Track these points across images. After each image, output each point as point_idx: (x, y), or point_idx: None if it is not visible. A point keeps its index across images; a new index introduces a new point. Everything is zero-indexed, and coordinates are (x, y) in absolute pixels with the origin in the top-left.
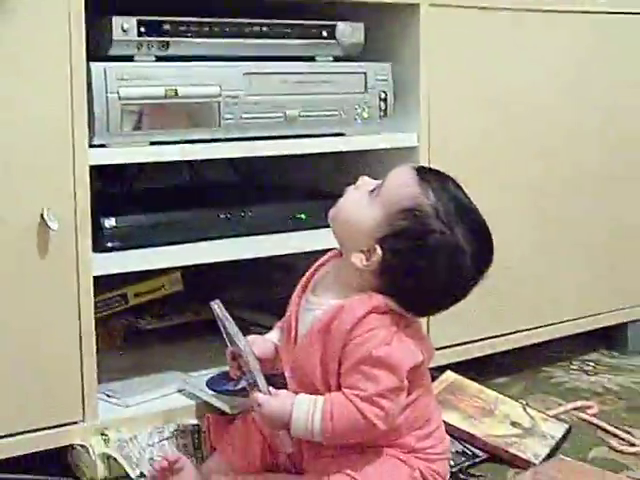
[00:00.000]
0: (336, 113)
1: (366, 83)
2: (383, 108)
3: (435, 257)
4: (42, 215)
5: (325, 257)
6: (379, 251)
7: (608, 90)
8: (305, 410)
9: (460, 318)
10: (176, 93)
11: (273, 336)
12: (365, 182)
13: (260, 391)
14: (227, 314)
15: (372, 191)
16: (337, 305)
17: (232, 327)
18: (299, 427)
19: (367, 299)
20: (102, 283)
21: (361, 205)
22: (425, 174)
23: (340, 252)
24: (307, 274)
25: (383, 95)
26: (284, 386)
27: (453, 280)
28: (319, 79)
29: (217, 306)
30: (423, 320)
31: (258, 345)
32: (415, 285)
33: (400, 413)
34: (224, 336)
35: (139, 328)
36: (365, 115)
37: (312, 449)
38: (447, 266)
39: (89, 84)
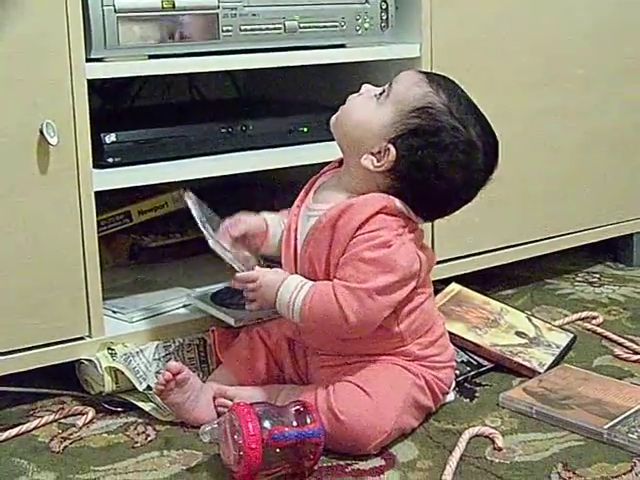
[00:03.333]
0: (336, 24)
1: None
2: (384, 18)
3: (450, 153)
4: (41, 130)
5: (324, 169)
6: (393, 150)
7: None
8: (291, 290)
9: (465, 230)
10: (173, 5)
11: (267, 215)
12: (369, 88)
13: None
14: (199, 205)
15: (379, 95)
16: (347, 202)
17: (201, 217)
18: (282, 304)
19: (378, 198)
20: (106, 202)
21: (369, 107)
22: (434, 76)
23: (339, 162)
24: (306, 185)
25: (384, 5)
26: None
27: (465, 177)
28: None
29: (188, 197)
30: (427, 232)
31: (245, 220)
32: (428, 184)
33: (402, 319)
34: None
35: (144, 245)
36: (366, 26)
37: (317, 360)
38: (461, 162)
39: None
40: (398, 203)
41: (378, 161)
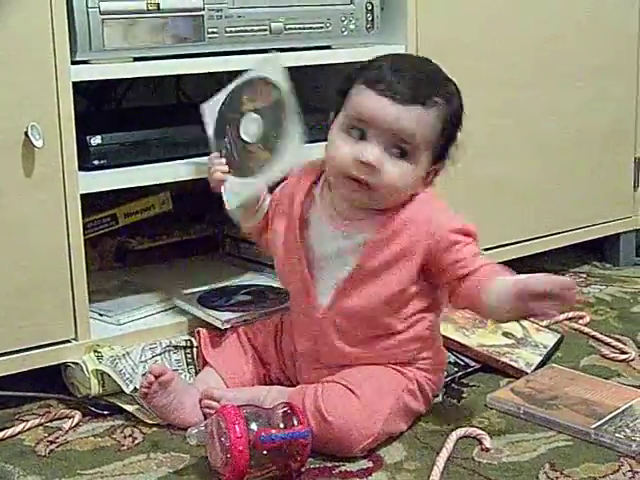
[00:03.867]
0: (322, 25)
1: None
2: (370, 20)
3: (457, 104)
4: (26, 133)
5: (304, 180)
6: (440, 165)
7: None
8: None
9: None
10: (158, 7)
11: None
12: (374, 158)
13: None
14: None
15: (397, 152)
16: (401, 215)
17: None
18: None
19: (423, 201)
20: (92, 204)
21: (407, 171)
22: (385, 87)
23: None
24: (295, 212)
25: (370, 6)
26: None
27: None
28: None
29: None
30: None
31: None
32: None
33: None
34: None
35: (130, 248)
36: (352, 27)
37: (308, 360)
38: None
39: None
40: (428, 190)
41: (427, 178)
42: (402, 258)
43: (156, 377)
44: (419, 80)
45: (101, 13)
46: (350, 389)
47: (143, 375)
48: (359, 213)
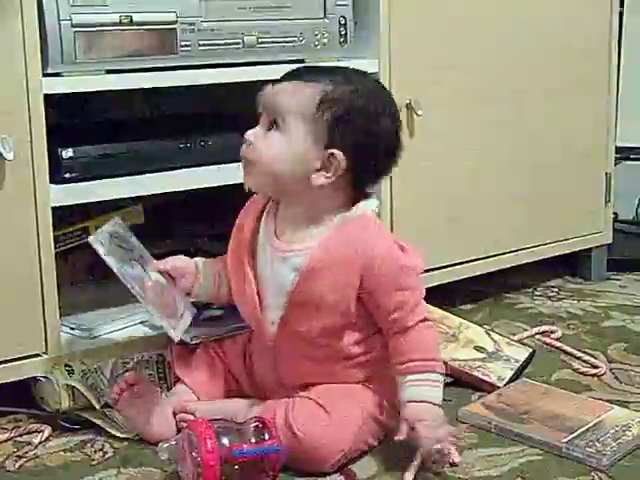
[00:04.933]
0: (295, 39)
1: (325, 8)
2: (343, 34)
3: (369, 110)
4: None
5: (254, 206)
6: (337, 152)
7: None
8: (429, 393)
9: (424, 245)
10: (131, 20)
11: (198, 259)
12: (254, 132)
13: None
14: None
15: (272, 125)
16: (332, 240)
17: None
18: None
19: (356, 222)
20: (64, 217)
21: (278, 143)
22: (299, 74)
23: (265, 200)
24: (244, 241)
25: (343, 20)
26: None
27: (392, 121)
28: (277, 4)
29: (95, 240)
30: None
31: (174, 258)
32: (375, 148)
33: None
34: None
35: (101, 262)
36: (325, 41)
37: (271, 381)
38: (380, 110)
39: (41, 11)
40: (369, 211)
41: (329, 171)
42: (336, 288)
43: (130, 385)
44: (317, 68)
45: (73, 26)
46: (320, 404)
47: (116, 383)
48: (297, 236)
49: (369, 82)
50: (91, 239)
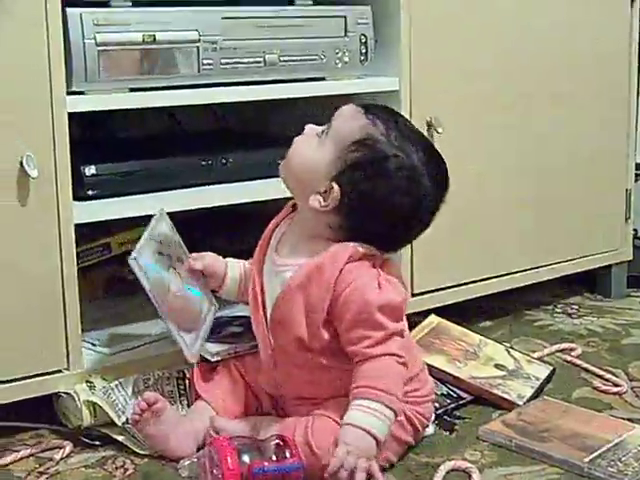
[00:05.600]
0: (316, 57)
1: (346, 27)
2: (364, 52)
3: (393, 181)
4: (21, 163)
5: (279, 215)
6: (336, 188)
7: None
8: (369, 420)
9: (444, 263)
10: (154, 39)
11: (230, 260)
12: (311, 128)
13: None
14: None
15: (320, 134)
16: (311, 264)
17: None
18: (382, 430)
19: (339, 252)
20: (85, 233)
21: (311, 147)
22: (372, 108)
23: (294, 206)
24: (265, 234)
25: (363, 39)
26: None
27: (413, 203)
28: (298, 23)
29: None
30: (406, 264)
31: (205, 257)
32: (380, 215)
33: None
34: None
35: (123, 277)
36: (346, 59)
37: (295, 395)
38: (404, 189)
39: (65, 30)
40: (360, 248)
41: (324, 200)
42: (305, 311)
43: (149, 405)
44: (395, 114)
45: (97, 44)
46: (338, 422)
47: (136, 403)
48: (293, 253)
49: (423, 167)
50: (132, 262)
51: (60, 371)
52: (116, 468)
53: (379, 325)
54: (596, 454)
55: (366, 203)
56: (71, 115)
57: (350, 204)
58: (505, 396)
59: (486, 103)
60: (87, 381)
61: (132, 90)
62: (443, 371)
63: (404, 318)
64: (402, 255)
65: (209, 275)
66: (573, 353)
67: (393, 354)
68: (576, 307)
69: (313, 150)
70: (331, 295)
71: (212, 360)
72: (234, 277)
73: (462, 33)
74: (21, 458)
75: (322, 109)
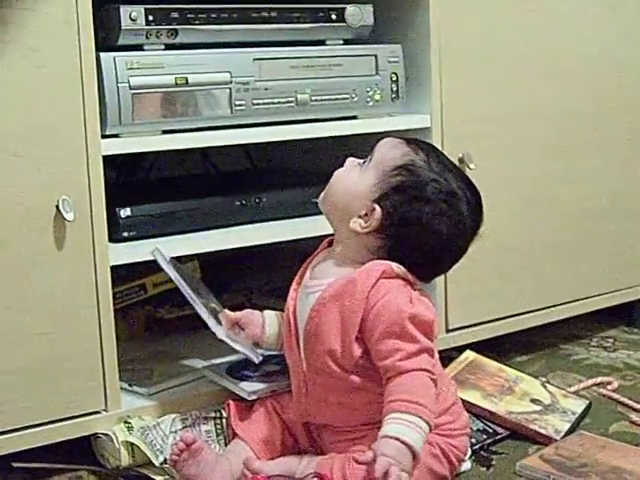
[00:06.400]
0: (347, 96)
1: (377, 65)
2: (395, 90)
3: (433, 205)
4: (57, 207)
5: (317, 251)
6: (378, 209)
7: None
8: (404, 431)
9: (478, 298)
10: (187, 81)
11: (266, 311)
12: (352, 160)
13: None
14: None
15: (362, 164)
16: (344, 278)
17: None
18: (419, 441)
19: (374, 267)
20: (121, 274)
21: (353, 175)
22: (412, 140)
23: (329, 243)
24: (301, 270)
25: (394, 77)
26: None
27: (451, 228)
28: (329, 63)
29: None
30: (441, 299)
31: (244, 315)
32: (416, 238)
33: None
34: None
35: (159, 317)
36: (377, 97)
37: (333, 433)
38: (445, 212)
39: (99, 74)
40: (394, 267)
41: (365, 222)
42: (337, 329)
43: (187, 445)
44: (435, 150)
45: (131, 88)
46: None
47: (174, 443)
48: (325, 275)
49: (462, 193)
50: (156, 254)
51: (98, 412)
52: None
53: (411, 337)
54: None
55: (405, 225)
56: (106, 158)
57: (390, 226)
58: (542, 431)
59: (517, 139)
60: (125, 422)
61: (165, 132)
62: (479, 406)
63: (435, 342)
64: (437, 290)
65: (245, 325)
66: (609, 387)
67: (425, 369)
68: (612, 340)
69: (355, 177)
70: (364, 308)
71: (249, 399)
72: (272, 324)
73: (493, 71)
74: None
75: (355, 148)
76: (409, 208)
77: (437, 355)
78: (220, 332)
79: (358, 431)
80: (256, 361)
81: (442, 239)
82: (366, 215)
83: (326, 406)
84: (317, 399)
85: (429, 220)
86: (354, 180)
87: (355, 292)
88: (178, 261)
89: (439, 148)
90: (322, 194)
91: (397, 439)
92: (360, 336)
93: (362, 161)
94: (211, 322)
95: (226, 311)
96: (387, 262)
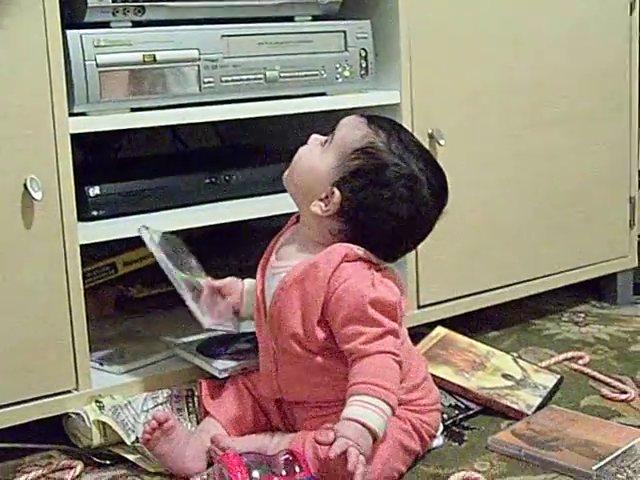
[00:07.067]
0: (317, 73)
1: (346, 42)
2: (364, 66)
3: (393, 189)
4: (25, 185)
5: (286, 226)
6: (337, 193)
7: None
8: (366, 412)
9: (449, 275)
10: (154, 59)
11: (247, 280)
12: (315, 138)
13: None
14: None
15: (324, 143)
16: (307, 262)
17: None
18: (381, 426)
19: (335, 250)
20: (91, 253)
21: (314, 155)
22: (374, 119)
23: (297, 218)
24: (270, 245)
25: (364, 53)
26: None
27: (412, 212)
28: (298, 39)
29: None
30: (412, 275)
31: (226, 283)
32: (375, 222)
33: None
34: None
35: (130, 296)
36: (346, 74)
37: (302, 413)
38: (404, 197)
39: (66, 52)
40: (356, 249)
41: (326, 206)
42: (300, 312)
43: (160, 424)
44: (399, 128)
45: (98, 66)
46: None
47: (146, 422)
48: (290, 256)
49: (423, 177)
50: (143, 233)
51: (69, 391)
52: None
53: (373, 321)
54: (605, 462)
55: (365, 209)
56: (74, 136)
57: (350, 210)
58: (513, 406)
59: (488, 115)
60: (96, 401)
61: (134, 110)
62: (451, 382)
63: (400, 320)
64: (407, 267)
65: (227, 294)
66: (580, 361)
67: (389, 352)
68: (583, 315)
69: (316, 158)
70: (325, 292)
71: (220, 377)
72: (251, 292)
73: (463, 46)
74: (33, 479)
75: (324, 124)
76: (368, 193)
77: (406, 332)
78: (207, 322)
79: (329, 407)
80: (235, 332)
81: (402, 223)
82: (327, 198)
83: (296, 384)
84: (287, 377)
85: (388, 205)
86: (315, 161)
87: (317, 276)
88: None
89: (408, 125)
90: (286, 172)
91: (357, 421)
92: (323, 319)
93: (325, 139)
94: (197, 312)
95: (209, 279)
96: (349, 245)
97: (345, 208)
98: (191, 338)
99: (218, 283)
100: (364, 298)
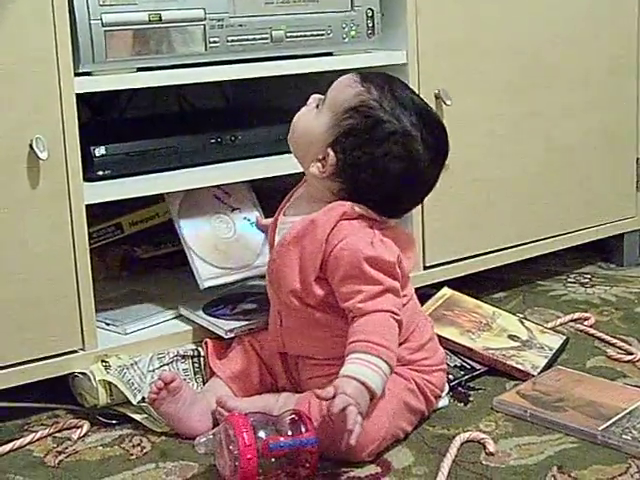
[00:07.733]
0: (323, 32)
1: (352, 1)
2: (370, 26)
3: (386, 146)
4: (31, 145)
5: (298, 184)
6: (332, 154)
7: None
8: (366, 372)
9: (455, 235)
10: (160, 18)
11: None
12: (314, 98)
13: None
14: None
15: (320, 104)
16: (305, 219)
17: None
18: (378, 383)
19: (334, 208)
20: (97, 214)
21: (309, 117)
22: (368, 76)
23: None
24: (284, 200)
25: (370, 13)
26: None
27: (408, 168)
28: None
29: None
30: (418, 237)
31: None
32: (375, 180)
33: None
34: None
35: (135, 257)
36: (352, 34)
37: (307, 370)
38: (400, 154)
39: (71, 11)
40: (356, 207)
41: (323, 167)
42: (299, 268)
43: (166, 384)
44: (393, 81)
45: (103, 25)
46: None
47: (152, 382)
48: (295, 213)
49: (416, 132)
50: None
51: (75, 351)
52: (133, 446)
53: (371, 279)
54: (610, 422)
55: (361, 168)
56: (80, 96)
57: (346, 170)
58: (519, 367)
59: (494, 75)
60: (102, 360)
61: (140, 70)
62: (456, 343)
63: (401, 279)
64: (413, 228)
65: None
66: (586, 322)
67: (388, 310)
68: (589, 276)
69: (312, 119)
70: (323, 250)
71: (226, 337)
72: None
73: (470, 6)
74: (39, 438)
75: (330, 85)
76: (361, 152)
77: (413, 291)
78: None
79: (333, 366)
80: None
81: (399, 180)
82: (323, 159)
83: (298, 337)
84: (290, 331)
85: (383, 162)
86: (310, 123)
87: (315, 234)
88: (156, 202)
89: (415, 85)
90: (289, 134)
91: (357, 379)
92: (322, 276)
93: (320, 98)
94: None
95: (259, 217)
96: (348, 203)
97: (341, 168)
98: (197, 299)
99: (267, 221)
100: (360, 256)
